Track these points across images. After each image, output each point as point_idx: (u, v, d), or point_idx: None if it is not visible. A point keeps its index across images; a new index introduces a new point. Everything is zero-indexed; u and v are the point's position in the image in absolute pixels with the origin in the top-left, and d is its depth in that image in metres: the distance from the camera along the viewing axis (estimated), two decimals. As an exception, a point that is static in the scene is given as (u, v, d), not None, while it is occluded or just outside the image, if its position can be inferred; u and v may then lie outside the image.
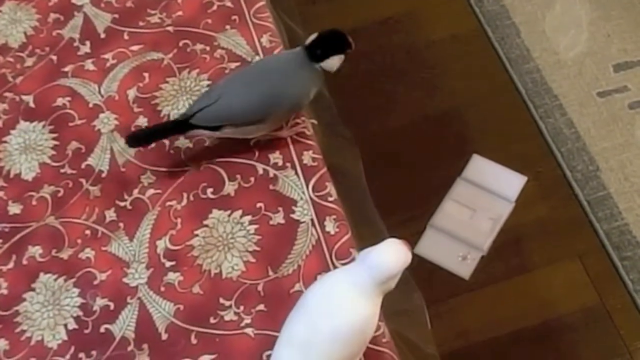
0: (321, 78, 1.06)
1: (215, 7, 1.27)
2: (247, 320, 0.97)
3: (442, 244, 1.70)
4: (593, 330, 1.57)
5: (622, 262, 1.63)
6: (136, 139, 1.10)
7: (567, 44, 1.94)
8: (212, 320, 0.98)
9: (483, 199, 1.75)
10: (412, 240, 1.71)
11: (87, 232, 1.08)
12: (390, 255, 0.85)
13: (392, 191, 1.75)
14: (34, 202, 1.13)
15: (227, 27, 1.24)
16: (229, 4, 1.27)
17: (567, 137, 1.80)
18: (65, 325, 1.01)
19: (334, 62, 1.04)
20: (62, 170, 1.15)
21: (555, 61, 1.91)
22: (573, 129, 1.81)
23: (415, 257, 1.65)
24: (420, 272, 1.66)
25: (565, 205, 1.72)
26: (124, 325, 1.00)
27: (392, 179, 1.78)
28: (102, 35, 1.28)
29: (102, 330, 1.00)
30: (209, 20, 1.25)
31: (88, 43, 1.27)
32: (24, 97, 1.23)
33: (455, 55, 1.98)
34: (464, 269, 1.67)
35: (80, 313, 1.02)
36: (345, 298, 0.84)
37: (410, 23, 2.06)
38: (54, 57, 1.27)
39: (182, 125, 1.07)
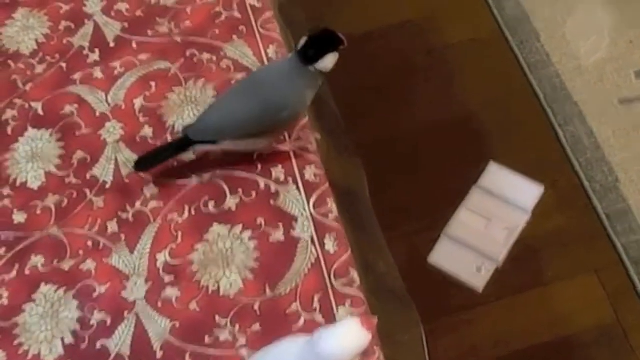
0: (317, 80, 1.03)
1: (223, 18, 1.26)
2: (242, 341, 0.97)
3: (456, 254, 1.68)
4: (607, 349, 1.53)
5: (641, 278, 1.60)
6: (143, 162, 1.11)
7: (588, 50, 1.90)
8: (207, 340, 0.98)
9: (499, 208, 1.72)
10: (426, 249, 1.69)
11: (89, 243, 1.09)
12: (339, 343, 0.76)
13: (406, 198, 1.74)
14: (38, 212, 1.13)
15: (235, 37, 1.24)
16: (237, 14, 1.26)
17: (586, 147, 1.76)
18: (62, 339, 1.02)
19: (328, 61, 1.01)
20: (67, 180, 1.15)
21: (576, 67, 1.87)
22: (592, 138, 1.77)
23: (428, 266, 1.66)
24: (433, 282, 1.64)
25: (583, 217, 1.69)
26: (120, 341, 1.00)
27: (407, 185, 1.77)
28: (112, 44, 1.28)
29: (98, 346, 1.00)
30: (217, 31, 1.25)
31: (97, 51, 1.27)
32: (33, 104, 1.24)
33: (474, 59, 1.95)
34: (478, 280, 1.65)
35: (78, 327, 1.02)
36: None
37: (430, 26, 2.03)
38: (64, 65, 1.27)
39: (183, 142, 1.08)
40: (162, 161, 1.11)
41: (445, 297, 1.61)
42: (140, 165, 1.12)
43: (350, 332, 0.76)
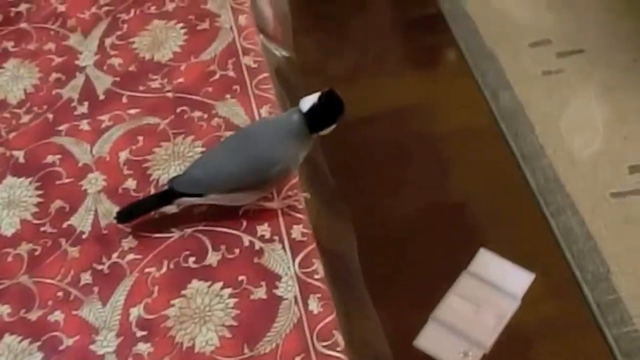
0: (313, 141, 1.03)
1: (217, 76, 1.24)
2: (215, 401, 0.91)
3: (443, 339, 1.62)
4: None
5: (632, 371, 1.54)
6: (125, 213, 1.07)
7: (582, 143, 1.89)
8: (177, 399, 0.91)
9: (488, 294, 1.67)
10: (412, 332, 1.63)
11: (60, 293, 1.03)
12: None
13: (395, 280, 1.69)
14: (9, 259, 1.08)
15: (227, 96, 1.22)
16: (231, 73, 1.24)
17: (578, 237, 1.73)
18: (23, 392, 0.95)
19: (330, 129, 1.01)
20: (42, 229, 1.10)
21: (569, 159, 1.87)
22: (584, 228, 1.74)
23: (414, 350, 1.60)
24: (418, 366, 1.58)
25: (574, 306, 1.64)
26: (84, 396, 0.93)
27: (396, 267, 1.73)
28: (101, 97, 1.26)
29: (60, 400, 0.93)
30: (210, 89, 1.23)
31: (86, 104, 1.25)
32: (14, 153, 1.20)
33: (468, 147, 1.95)
34: (465, 367, 1.59)
35: (41, 380, 0.95)
36: None
37: (426, 113, 2.04)
38: (50, 116, 1.25)
39: (168, 194, 1.05)
40: (145, 213, 1.07)
41: (431, 381, 1.55)
42: (122, 216, 1.07)
43: None
